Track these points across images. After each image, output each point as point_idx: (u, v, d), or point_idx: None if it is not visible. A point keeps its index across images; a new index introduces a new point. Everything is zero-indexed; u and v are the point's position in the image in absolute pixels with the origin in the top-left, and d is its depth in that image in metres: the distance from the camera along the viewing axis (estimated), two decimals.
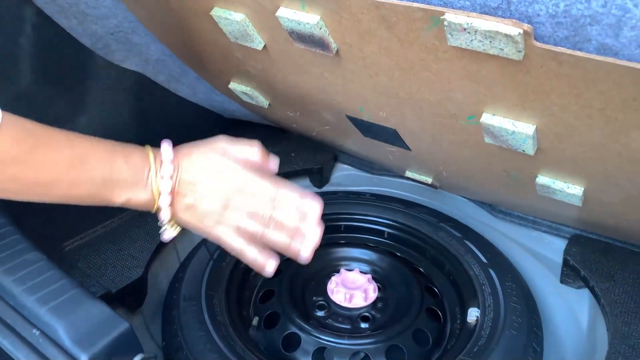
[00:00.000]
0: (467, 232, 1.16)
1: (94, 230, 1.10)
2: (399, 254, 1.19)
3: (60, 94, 1.17)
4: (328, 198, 1.29)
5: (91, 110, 1.21)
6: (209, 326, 0.92)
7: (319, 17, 0.78)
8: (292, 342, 0.96)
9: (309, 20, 0.79)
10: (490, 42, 0.62)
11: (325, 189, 1.45)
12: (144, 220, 1.13)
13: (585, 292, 1.07)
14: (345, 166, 1.47)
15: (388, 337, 0.95)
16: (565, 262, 1.07)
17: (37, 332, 0.60)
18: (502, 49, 0.62)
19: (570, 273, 1.08)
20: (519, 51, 0.62)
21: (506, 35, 0.60)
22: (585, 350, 1.00)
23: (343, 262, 1.18)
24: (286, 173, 1.37)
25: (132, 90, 1.25)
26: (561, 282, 1.11)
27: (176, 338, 0.91)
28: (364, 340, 0.95)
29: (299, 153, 1.42)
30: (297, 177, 1.42)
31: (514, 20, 0.59)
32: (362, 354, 0.94)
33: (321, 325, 1.00)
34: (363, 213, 1.25)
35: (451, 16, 0.62)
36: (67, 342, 0.59)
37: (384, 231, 1.23)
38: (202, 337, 0.90)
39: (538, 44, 0.60)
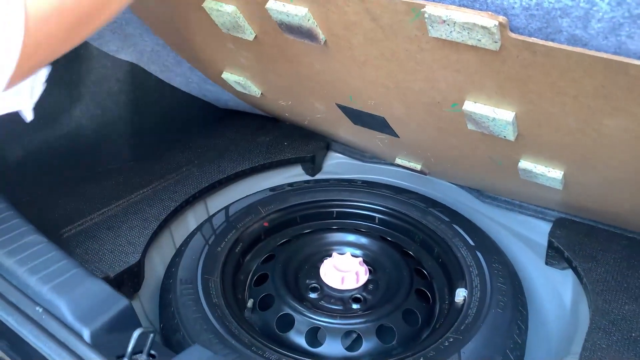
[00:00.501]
0: (455, 217, 1.20)
1: (91, 218, 1.12)
2: (389, 239, 1.23)
3: (56, 85, 1.19)
4: (320, 185, 1.32)
5: (86, 100, 1.23)
6: (205, 308, 0.95)
7: (306, 9, 0.81)
8: (286, 323, 0.99)
9: (297, 12, 0.82)
10: (468, 33, 0.66)
11: (318, 177, 1.47)
12: (140, 207, 1.16)
13: (569, 273, 1.11)
14: (337, 155, 1.50)
15: (379, 317, 0.98)
16: (550, 244, 1.11)
17: (40, 309, 0.62)
18: (480, 40, 0.66)
19: (554, 255, 1.11)
20: (495, 42, 0.65)
21: (483, 27, 0.63)
22: (568, 327, 1.04)
23: (335, 247, 1.21)
24: (279, 161, 1.39)
25: (126, 80, 1.27)
26: (546, 263, 1.14)
27: (174, 320, 0.94)
28: (356, 320, 0.98)
29: (292, 142, 1.45)
30: (289, 166, 1.44)
31: (489, 12, 0.62)
32: (354, 334, 0.97)
33: (314, 307, 1.03)
34: (354, 199, 1.28)
35: (431, 8, 0.65)
36: (69, 318, 0.62)
37: (374, 217, 1.26)
38: (198, 319, 0.93)
39: (513, 35, 0.63)
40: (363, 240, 1.22)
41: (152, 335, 0.61)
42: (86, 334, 0.60)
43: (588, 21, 0.57)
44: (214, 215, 1.20)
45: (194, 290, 0.99)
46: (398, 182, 1.39)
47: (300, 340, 0.96)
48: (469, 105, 0.83)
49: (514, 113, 0.79)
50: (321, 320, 0.97)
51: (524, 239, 1.21)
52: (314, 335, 0.98)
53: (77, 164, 1.24)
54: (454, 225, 1.16)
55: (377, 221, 1.26)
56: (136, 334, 0.60)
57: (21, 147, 1.16)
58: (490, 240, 1.14)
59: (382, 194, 1.28)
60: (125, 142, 1.31)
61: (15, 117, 1.13)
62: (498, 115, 0.80)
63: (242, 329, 0.92)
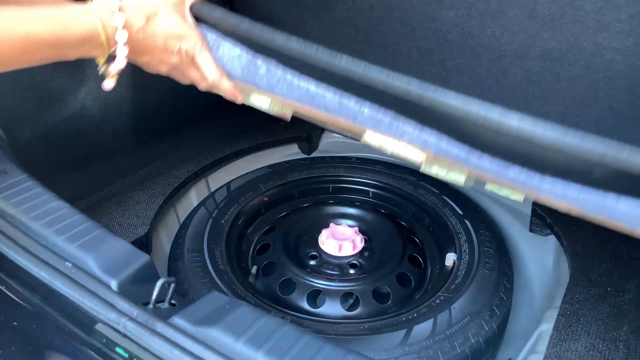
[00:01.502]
0: (445, 188, 1.27)
1: (99, 194, 1.17)
2: (383, 211, 1.29)
3: (61, 67, 1.23)
4: (317, 162, 1.38)
5: (90, 81, 1.28)
6: (213, 274, 1.01)
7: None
8: (288, 287, 1.05)
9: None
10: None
11: (314, 155, 1.53)
12: (145, 184, 1.22)
13: (551, 239, 1.18)
14: (332, 134, 1.56)
15: (375, 280, 1.05)
16: (534, 212, 1.18)
17: (70, 264, 0.68)
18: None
19: (538, 222, 1.19)
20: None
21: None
22: (550, 286, 1.12)
23: (332, 219, 1.27)
24: (276, 140, 1.45)
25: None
26: (530, 230, 1.22)
27: (182, 285, 1.00)
28: (353, 282, 1.05)
29: (288, 122, 1.50)
30: (286, 145, 1.50)
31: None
32: (352, 296, 1.04)
33: (314, 272, 1.10)
34: (349, 175, 1.34)
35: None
36: (97, 272, 0.67)
37: (369, 191, 1.33)
38: (206, 283, 0.99)
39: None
40: (359, 212, 1.29)
41: (173, 285, 0.67)
42: (114, 284, 0.66)
43: None
44: (216, 191, 1.26)
45: (201, 259, 1.05)
46: (392, 159, 1.46)
47: (302, 302, 1.03)
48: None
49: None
50: (321, 284, 1.04)
51: (509, 209, 1.28)
52: (315, 297, 1.05)
53: (83, 143, 1.28)
54: (444, 197, 1.23)
55: (371, 195, 1.33)
56: (159, 283, 0.66)
57: (29, 128, 1.20)
58: (478, 209, 1.22)
59: (375, 169, 1.34)
60: (128, 122, 1.35)
61: (22, 98, 1.18)
62: (450, 177, 0.86)
63: (248, 292, 0.98)
